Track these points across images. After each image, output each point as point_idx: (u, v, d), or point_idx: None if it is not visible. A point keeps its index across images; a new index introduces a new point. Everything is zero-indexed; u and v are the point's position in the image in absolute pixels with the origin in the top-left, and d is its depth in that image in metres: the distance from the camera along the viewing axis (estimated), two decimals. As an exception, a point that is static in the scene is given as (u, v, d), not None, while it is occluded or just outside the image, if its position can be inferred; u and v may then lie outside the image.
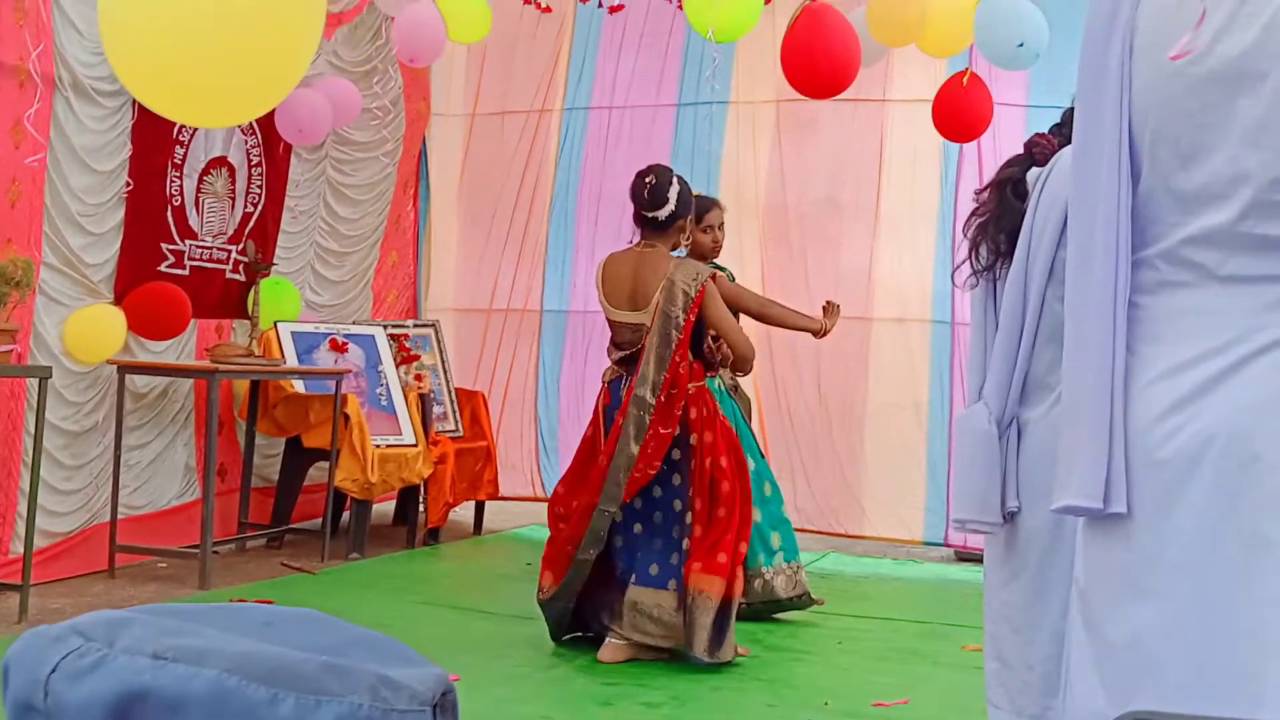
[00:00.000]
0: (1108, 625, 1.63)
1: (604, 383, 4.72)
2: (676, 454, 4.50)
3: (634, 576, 4.48)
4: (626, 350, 4.58)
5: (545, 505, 5.06)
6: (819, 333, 5.07)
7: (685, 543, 4.46)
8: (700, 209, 4.95)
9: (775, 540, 5.18)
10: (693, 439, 4.49)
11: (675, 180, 4.58)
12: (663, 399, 4.44)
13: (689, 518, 4.47)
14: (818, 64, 5.34)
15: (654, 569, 4.47)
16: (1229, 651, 1.52)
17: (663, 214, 4.53)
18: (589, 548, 4.45)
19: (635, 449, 4.42)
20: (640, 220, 4.60)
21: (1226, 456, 1.53)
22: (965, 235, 2.71)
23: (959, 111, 5.81)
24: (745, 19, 4.96)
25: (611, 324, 4.66)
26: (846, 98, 6.45)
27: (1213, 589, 1.53)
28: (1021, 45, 5.37)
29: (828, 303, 5.14)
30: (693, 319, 4.47)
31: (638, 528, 4.52)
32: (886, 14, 5.57)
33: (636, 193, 4.58)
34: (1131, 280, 1.65)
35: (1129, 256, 1.63)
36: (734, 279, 5.44)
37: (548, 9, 7.16)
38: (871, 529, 7.04)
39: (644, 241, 4.60)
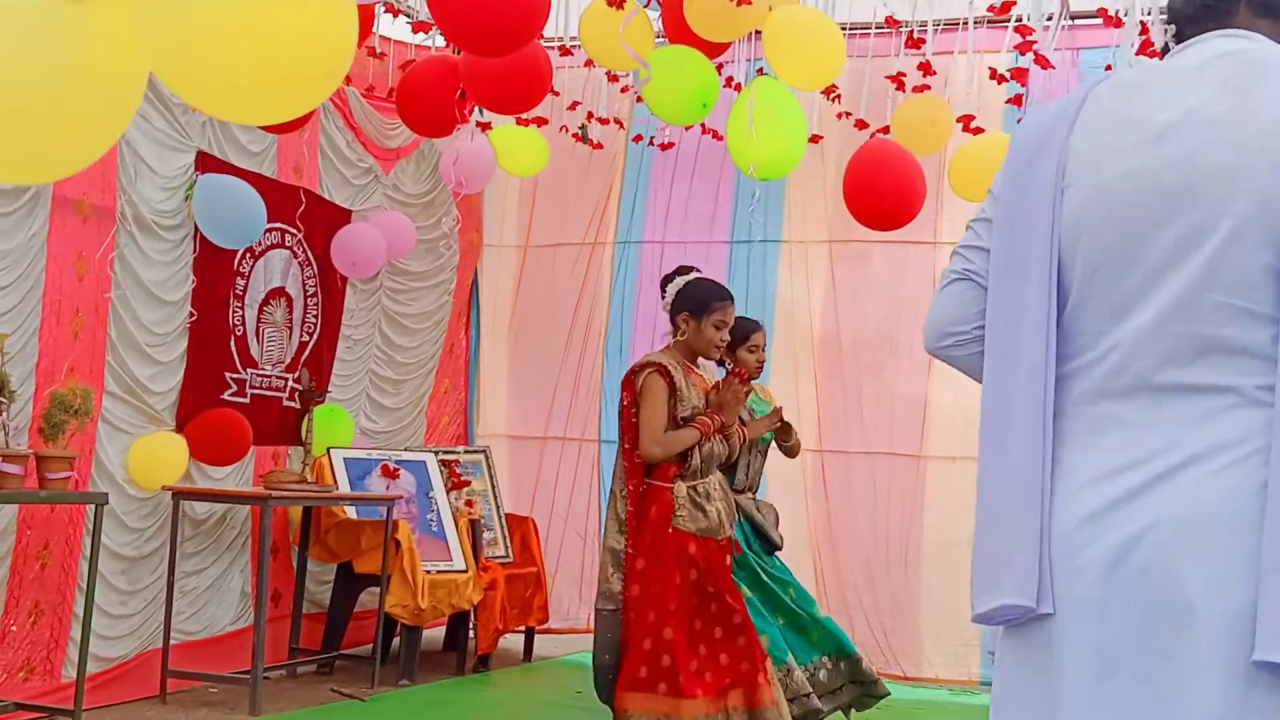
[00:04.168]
0: None
1: None
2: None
3: None
4: None
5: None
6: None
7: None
8: (745, 330, 5.23)
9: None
10: (633, 538, 4.48)
11: (683, 278, 4.76)
12: (631, 488, 4.51)
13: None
14: (882, 197, 5.39)
15: None
16: None
17: (663, 306, 4.77)
18: (601, 652, 4.49)
19: (613, 541, 4.50)
20: None
21: (1145, 569, 1.57)
22: None
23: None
24: (789, 158, 5.07)
25: None
26: (898, 239, 6.56)
27: (1128, 697, 1.58)
28: None
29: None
30: (630, 406, 4.55)
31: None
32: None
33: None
34: (1064, 388, 1.71)
35: (1054, 369, 1.70)
36: (758, 402, 5.33)
37: (598, 145, 7.35)
38: (929, 668, 6.94)
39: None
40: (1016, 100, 5.78)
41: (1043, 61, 5.47)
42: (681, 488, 4.48)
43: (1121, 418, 1.65)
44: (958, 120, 5.89)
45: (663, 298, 4.82)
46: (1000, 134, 5.97)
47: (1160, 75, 1.74)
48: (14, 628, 4.84)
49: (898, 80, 5.91)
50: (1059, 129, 1.75)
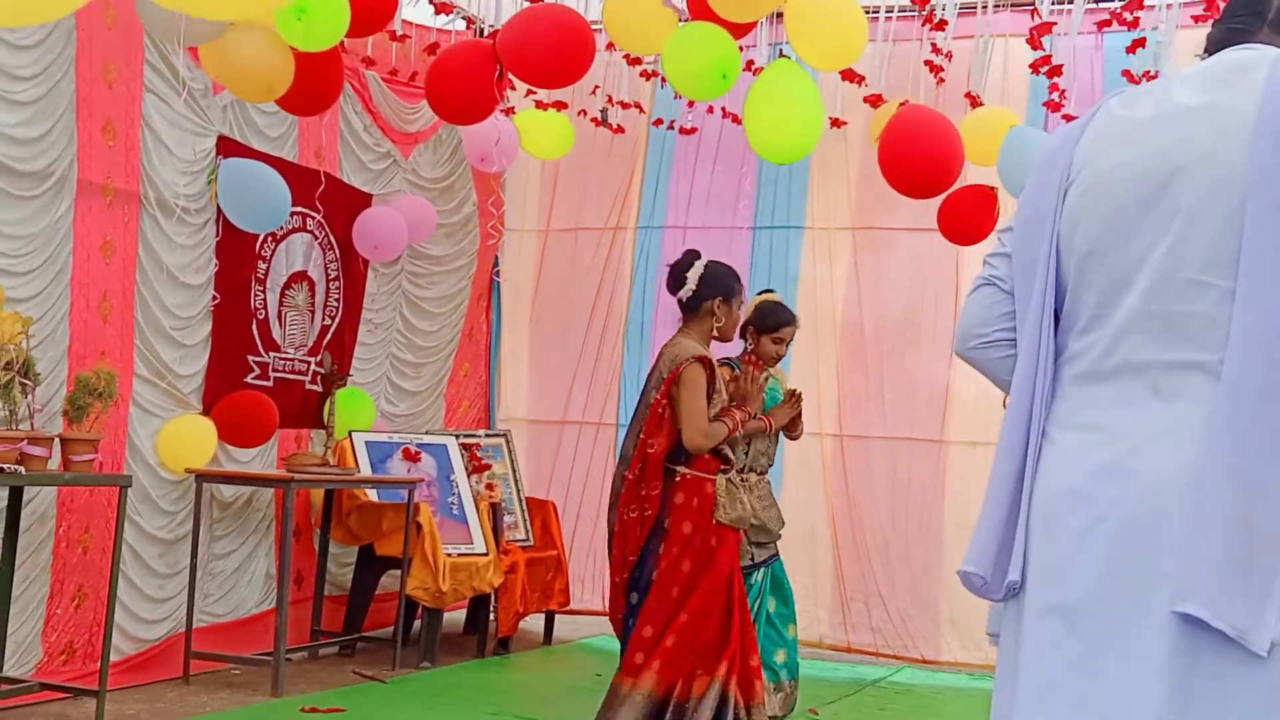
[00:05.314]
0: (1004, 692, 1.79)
1: None
2: (654, 542, 4.30)
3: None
4: None
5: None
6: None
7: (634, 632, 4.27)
8: (779, 320, 5.04)
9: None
10: (667, 523, 4.27)
11: (700, 262, 4.50)
12: (630, 478, 4.30)
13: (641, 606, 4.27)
14: (917, 163, 5.30)
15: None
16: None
17: (684, 295, 4.47)
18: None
19: (611, 523, 4.37)
20: (679, 305, 4.56)
21: (1115, 539, 1.67)
22: None
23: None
24: (805, 141, 5.03)
25: None
26: (921, 226, 6.53)
27: (1083, 659, 1.68)
28: None
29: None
30: (663, 399, 4.31)
31: None
32: None
33: (667, 278, 4.60)
34: (1064, 371, 1.82)
35: (1050, 355, 1.81)
36: (778, 387, 5.16)
37: (619, 129, 7.34)
38: (948, 652, 6.97)
39: (680, 327, 4.55)
40: (1049, 74, 5.72)
41: (1035, 43, 5.43)
42: (722, 480, 4.35)
43: (1107, 396, 1.74)
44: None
45: (680, 285, 4.48)
46: (1003, 109, 5.90)
47: (1164, 82, 1.83)
48: (58, 611, 4.88)
49: (932, 64, 5.89)
50: (1070, 139, 1.86)
